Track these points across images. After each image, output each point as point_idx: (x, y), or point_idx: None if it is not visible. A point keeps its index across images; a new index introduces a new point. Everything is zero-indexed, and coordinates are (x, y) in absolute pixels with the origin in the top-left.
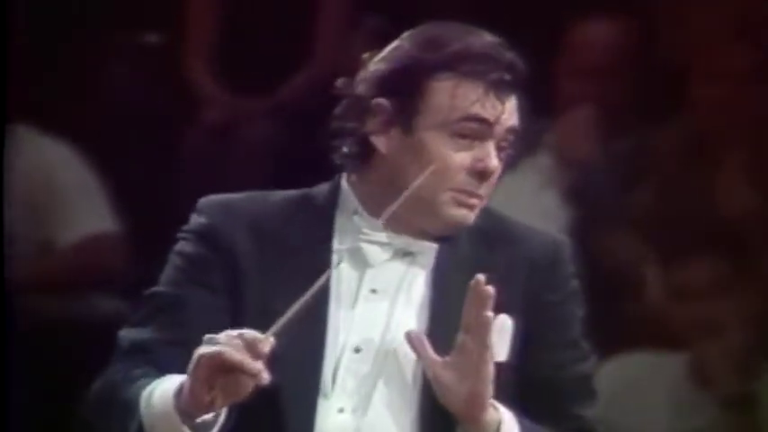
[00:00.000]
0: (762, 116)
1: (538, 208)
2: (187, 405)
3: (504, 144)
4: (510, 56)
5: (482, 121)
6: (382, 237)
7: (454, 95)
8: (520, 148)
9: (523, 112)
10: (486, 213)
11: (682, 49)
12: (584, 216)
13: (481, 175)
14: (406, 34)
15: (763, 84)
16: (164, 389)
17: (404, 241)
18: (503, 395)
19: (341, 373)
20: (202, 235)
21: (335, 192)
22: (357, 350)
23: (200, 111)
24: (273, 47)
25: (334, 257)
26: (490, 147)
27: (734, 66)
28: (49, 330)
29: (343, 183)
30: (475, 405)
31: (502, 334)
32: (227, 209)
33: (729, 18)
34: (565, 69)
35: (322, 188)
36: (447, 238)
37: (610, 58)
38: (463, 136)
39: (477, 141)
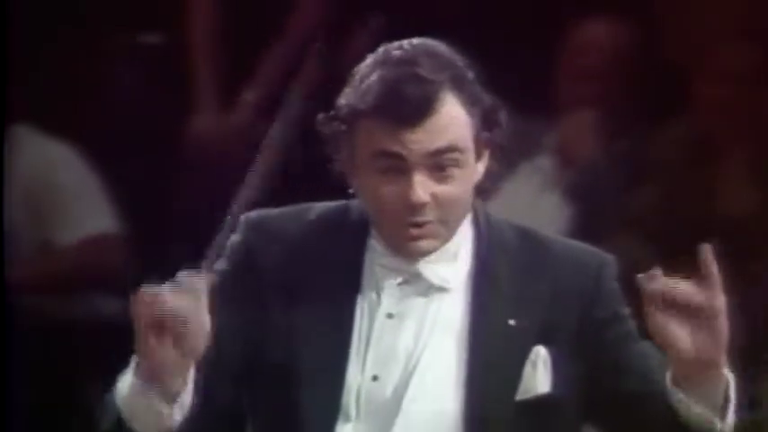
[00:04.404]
0: (765, 116)
1: (538, 210)
2: (145, 371)
3: (445, 164)
4: (414, 88)
5: (392, 155)
6: (391, 261)
7: (368, 134)
8: (520, 149)
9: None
10: (527, 237)
11: (684, 50)
12: (585, 217)
13: (411, 207)
14: (367, 60)
15: (766, 84)
16: (126, 372)
17: (413, 267)
18: (575, 420)
19: (363, 399)
20: (234, 252)
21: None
22: (375, 378)
23: (201, 110)
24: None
25: (364, 278)
26: (413, 178)
27: (737, 66)
28: (48, 331)
29: None
30: (709, 361)
31: (539, 365)
32: (260, 226)
33: (732, 18)
34: (566, 70)
35: (358, 204)
36: (486, 271)
37: (611, 58)
38: (384, 171)
39: (399, 175)
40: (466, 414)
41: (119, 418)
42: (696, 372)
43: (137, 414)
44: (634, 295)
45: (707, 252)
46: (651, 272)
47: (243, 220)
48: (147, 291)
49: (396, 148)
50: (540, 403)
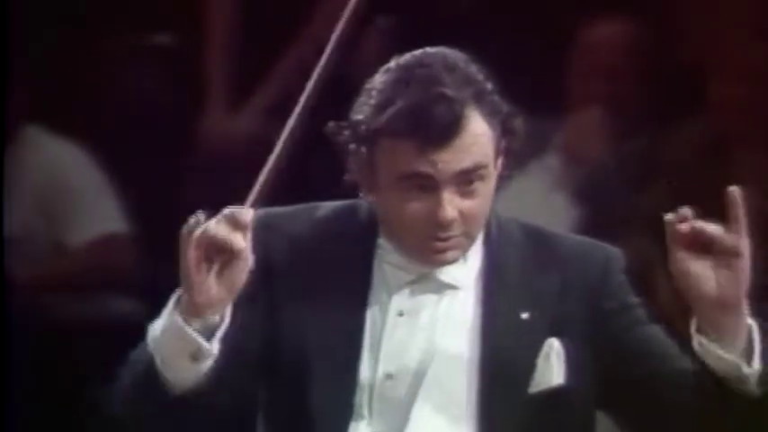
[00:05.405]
0: None
1: (546, 209)
2: (187, 305)
3: (471, 180)
4: (442, 109)
5: (420, 176)
6: (401, 260)
7: (392, 153)
8: (530, 148)
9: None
10: (535, 234)
11: (697, 49)
12: (594, 217)
13: (438, 224)
14: (381, 72)
15: None
16: (163, 312)
17: (424, 267)
18: (589, 410)
19: (375, 398)
20: None
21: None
22: (389, 376)
23: (212, 110)
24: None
25: (374, 277)
26: (441, 195)
27: (752, 66)
28: (59, 331)
29: None
30: (731, 303)
31: (552, 357)
32: (269, 225)
33: (748, 17)
34: (577, 69)
35: (365, 203)
36: (496, 268)
37: (623, 57)
38: (411, 189)
39: (426, 193)
40: (480, 408)
41: (150, 367)
42: (719, 315)
43: (171, 355)
44: (642, 290)
45: (735, 195)
46: (680, 211)
47: (253, 217)
48: (197, 219)
49: (425, 169)
50: (553, 395)
